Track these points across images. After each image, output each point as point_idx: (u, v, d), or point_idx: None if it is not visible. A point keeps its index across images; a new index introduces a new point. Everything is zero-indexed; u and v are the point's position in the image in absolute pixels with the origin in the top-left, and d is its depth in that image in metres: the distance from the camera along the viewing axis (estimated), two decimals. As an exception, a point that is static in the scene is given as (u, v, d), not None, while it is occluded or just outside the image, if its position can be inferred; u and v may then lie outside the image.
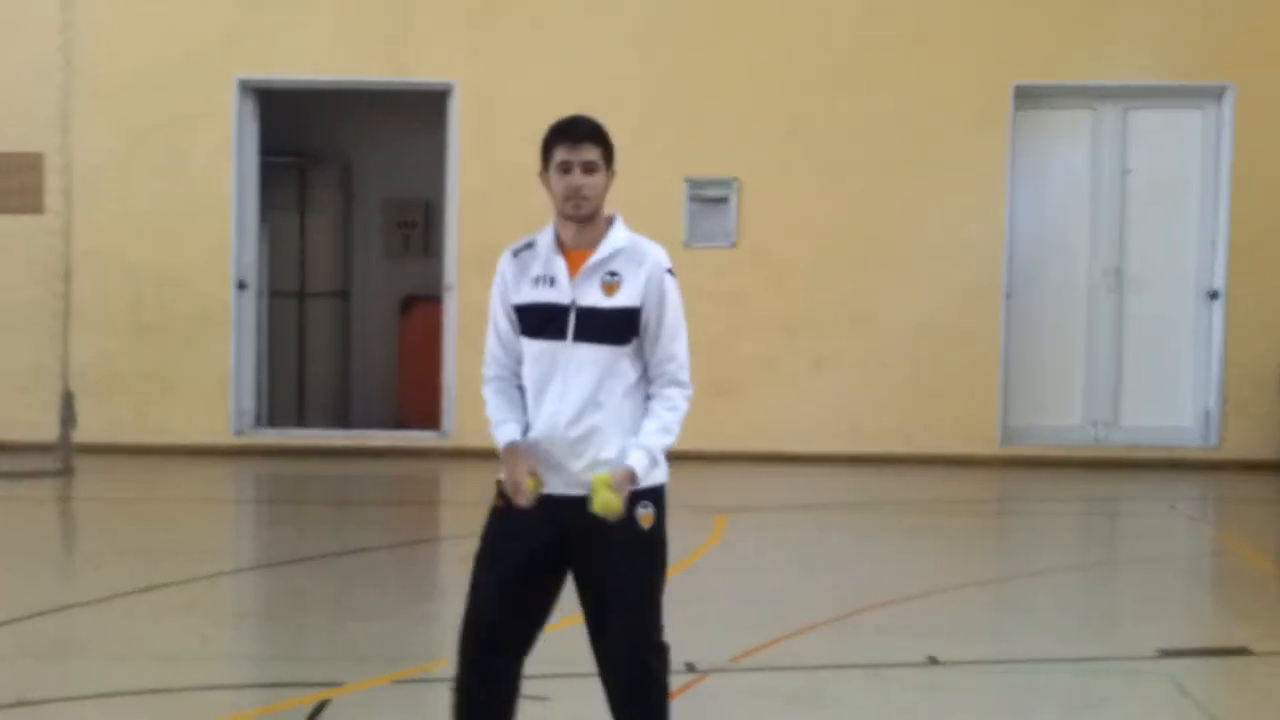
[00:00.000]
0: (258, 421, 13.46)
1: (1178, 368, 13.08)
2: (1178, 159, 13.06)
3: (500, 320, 4.31)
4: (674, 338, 4.18)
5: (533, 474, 4.12)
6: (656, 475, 4.20)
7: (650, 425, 4.15)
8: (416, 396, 13.82)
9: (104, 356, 12.79)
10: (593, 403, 4.12)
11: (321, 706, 5.75)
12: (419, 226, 14.97)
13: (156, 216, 12.93)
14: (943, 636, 6.97)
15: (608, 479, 4.02)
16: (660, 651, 4.24)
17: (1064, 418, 13.08)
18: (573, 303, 4.14)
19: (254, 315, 13.41)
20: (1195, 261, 13.03)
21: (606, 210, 4.28)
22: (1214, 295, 12.89)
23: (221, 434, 12.99)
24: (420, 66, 13.03)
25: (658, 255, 4.22)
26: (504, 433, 4.25)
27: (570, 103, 13.57)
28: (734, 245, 12.59)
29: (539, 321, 4.18)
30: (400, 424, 14.04)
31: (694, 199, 12.55)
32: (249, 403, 13.26)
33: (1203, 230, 12.99)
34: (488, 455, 13.39)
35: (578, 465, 4.13)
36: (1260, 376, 12.73)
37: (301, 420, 14.44)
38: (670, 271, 4.22)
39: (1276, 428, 12.74)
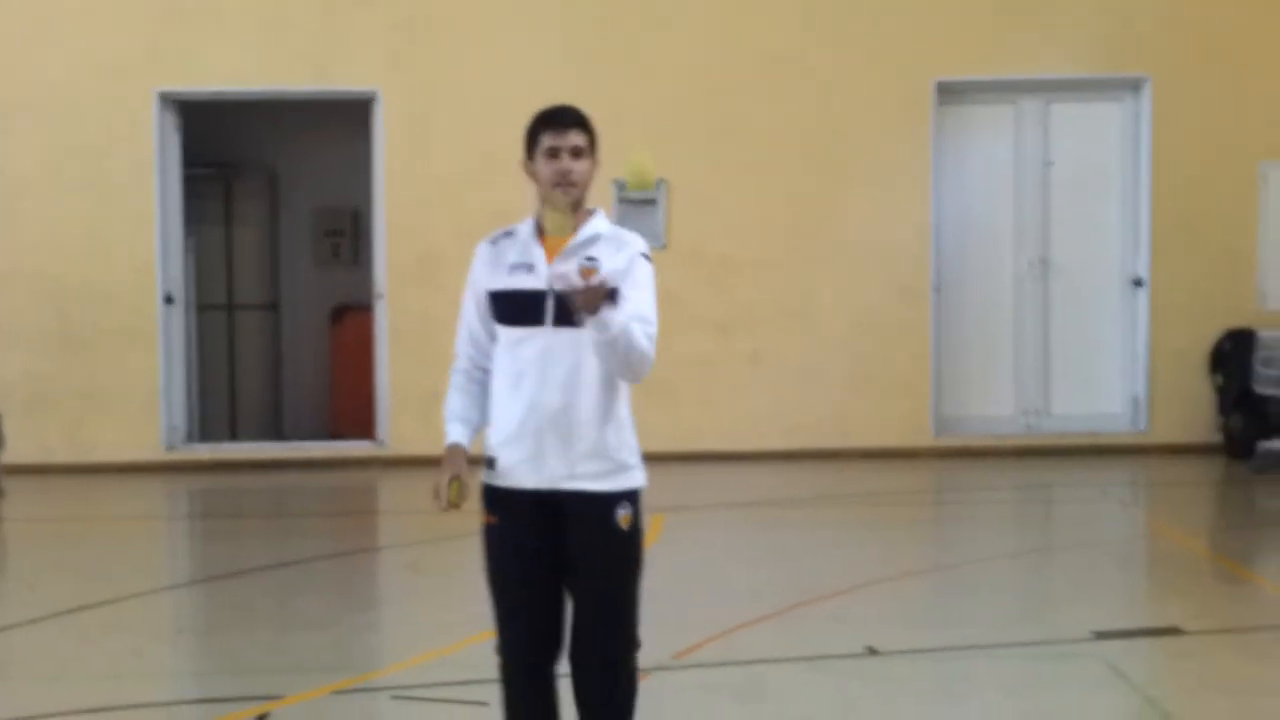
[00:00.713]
0: (189, 437, 13.33)
1: (1106, 355, 13.24)
2: (1099, 150, 13.23)
3: (470, 312, 4.32)
4: (641, 299, 4.15)
5: (456, 479, 4.12)
6: (637, 477, 4.23)
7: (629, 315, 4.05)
8: (350, 406, 13.75)
9: (30, 376, 12.64)
10: (573, 388, 4.11)
11: None
12: (348, 235, 14.90)
13: (80, 233, 12.78)
14: (883, 626, 7.03)
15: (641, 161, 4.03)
16: (632, 650, 4.26)
17: (996, 407, 13.21)
18: (550, 288, 4.12)
19: (182, 329, 13.29)
20: (1119, 250, 13.20)
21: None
22: (1138, 283, 13.06)
23: (153, 450, 12.86)
24: (343, 75, 12.96)
25: (636, 241, 4.26)
26: (450, 431, 4.25)
27: (497, 109, 13.74)
28: (665, 246, 12.61)
29: (517, 308, 4.17)
30: (334, 435, 13.95)
31: (623, 201, 12.56)
32: (180, 418, 13.13)
33: (1125, 219, 13.17)
34: (425, 463, 13.33)
35: (557, 456, 4.12)
36: (1187, 361, 12.92)
37: (234, 434, 14.32)
38: (648, 257, 4.24)
39: (1204, 412, 12.93)
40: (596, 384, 4.13)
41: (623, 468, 4.19)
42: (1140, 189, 13.04)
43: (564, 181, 4.19)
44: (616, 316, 3.99)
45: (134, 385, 12.82)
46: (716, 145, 12.80)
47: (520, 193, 12.82)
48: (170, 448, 12.97)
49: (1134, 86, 13.06)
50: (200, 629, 7.77)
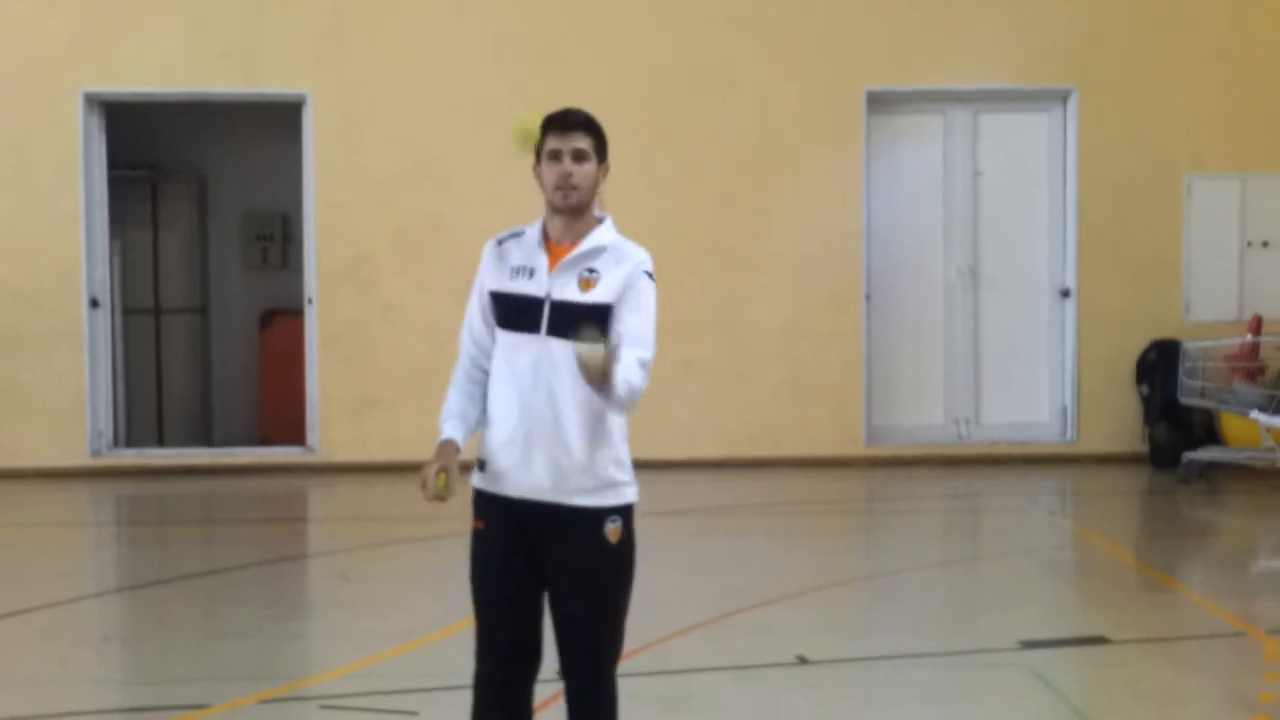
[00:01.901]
0: (115, 442, 13.16)
1: (1034, 365, 13.37)
2: (1027, 160, 13.36)
3: (474, 311, 4.24)
4: (643, 335, 4.09)
5: (444, 471, 4.06)
6: (628, 494, 4.17)
7: (625, 367, 3.98)
8: (279, 412, 13.62)
9: (-48, 379, 12.45)
10: (563, 401, 4.04)
11: (188, 730, 5.66)
12: (276, 240, 14.77)
13: (4, 235, 12.61)
14: (813, 636, 7.07)
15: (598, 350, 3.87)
16: (614, 666, 4.22)
17: (927, 417, 13.30)
18: (547, 295, 4.08)
19: (108, 333, 13.11)
20: (1046, 260, 13.34)
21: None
22: (1065, 293, 13.20)
23: (78, 455, 12.68)
24: (271, 77, 12.85)
25: (640, 256, 4.18)
26: (444, 427, 4.19)
27: (428, 113, 13.66)
28: (597, 253, 12.58)
29: (514, 312, 4.12)
30: (264, 440, 13.82)
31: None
32: (105, 423, 12.96)
33: (1052, 229, 13.30)
34: (355, 470, 13.30)
35: (545, 468, 4.07)
36: (1113, 372, 13.07)
37: (161, 440, 14.14)
38: (650, 275, 4.17)
39: (1130, 422, 13.09)
40: (587, 398, 4.05)
41: (610, 484, 4.12)
42: (1067, 200, 13.19)
43: (564, 185, 4.11)
44: (619, 383, 3.91)
45: (58, 389, 12.64)
46: (648, 153, 12.78)
47: (451, 196, 12.90)
48: (96, 453, 12.80)
49: (1061, 98, 13.20)
50: (126, 637, 7.69)
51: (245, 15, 12.76)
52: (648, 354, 4.10)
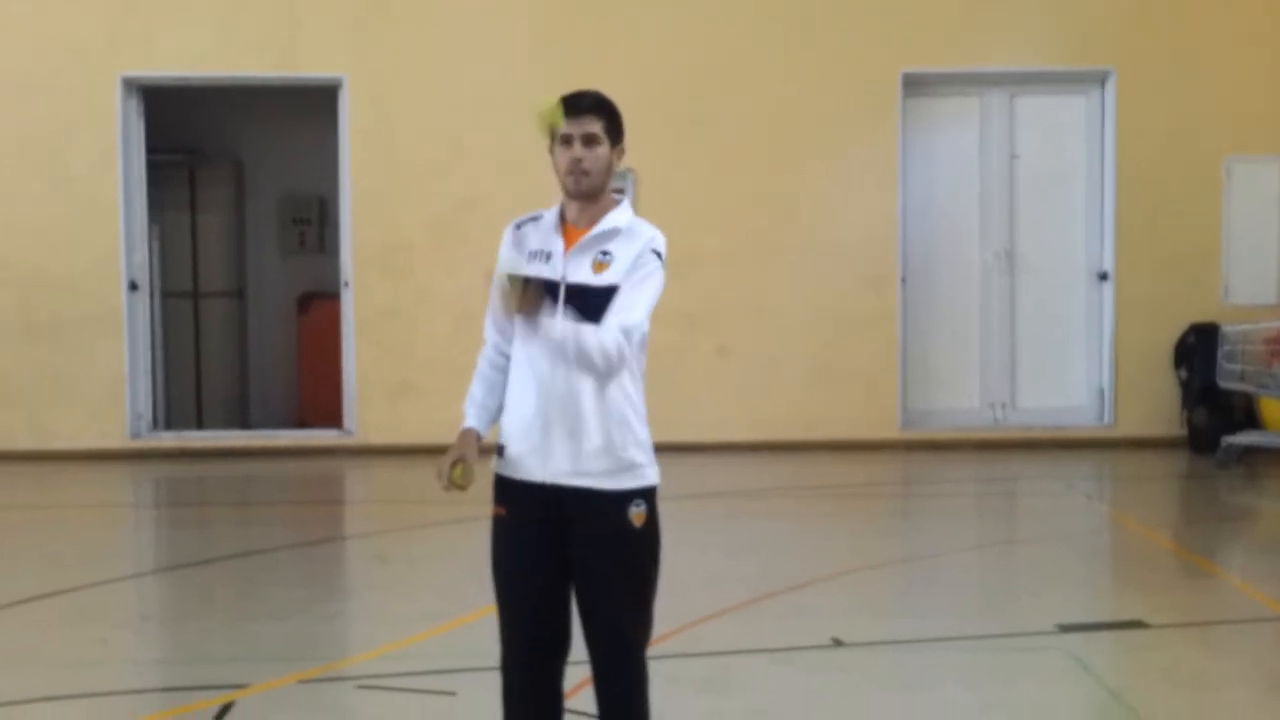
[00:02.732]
0: (155, 425, 13.26)
1: (1071, 348, 13.31)
2: (1064, 143, 13.29)
3: (495, 294, 4.21)
4: (633, 300, 4.07)
5: (461, 461, 4.06)
6: (649, 475, 4.16)
7: (587, 327, 4.00)
8: (317, 395, 13.70)
9: (-7, 363, 12.55)
10: (580, 382, 4.03)
11: (226, 709, 5.69)
12: (314, 224, 14.83)
13: (43, 220, 12.69)
14: (848, 618, 7.06)
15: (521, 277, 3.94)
16: (644, 649, 4.20)
17: (962, 400, 13.26)
18: (563, 278, 4.08)
19: (147, 317, 13.21)
20: (1084, 243, 13.27)
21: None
22: (1103, 276, 13.13)
23: (117, 438, 12.78)
24: (308, 61, 12.89)
25: (651, 235, 4.17)
26: (466, 415, 4.20)
27: (464, 97, 13.68)
28: (632, 237, 12.58)
29: None
30: (301, 423, 13.91)
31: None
32: (144, 406, 13.06)
33: (1090, 213, 13.23)
34: (392, 452, 13.34)
35: (564, 451, 4.06)
36: (1151, 355, 12.99)
37: (200, 422, 14.24)
38: (658, 254, 4.14)
39: (1168, 406, 13.01)
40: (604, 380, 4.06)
41: (630, 466, 4.10)
42: (1105, 183, 13.11)
43: (575, 170, 4.09)
44: (556, 325, 3.96)
45: (98, 373, 12.74)
46: (683, 137, 12.79)
47: (486, 179, 12.90)
48: (135, 436, 12.90)
49: (1099, 80, 13.12)
50: (165, 618, 7.74)
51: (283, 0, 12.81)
52: (631, 320, 4.05)
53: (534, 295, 3.99)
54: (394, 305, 12.81)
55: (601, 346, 4.00)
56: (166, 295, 14.01)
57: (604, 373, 4.04)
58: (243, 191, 14.85)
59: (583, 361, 4.01)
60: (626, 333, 4.04)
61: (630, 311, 4.06)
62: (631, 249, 4.11)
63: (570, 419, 4.05)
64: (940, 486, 11.73)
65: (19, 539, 9.70)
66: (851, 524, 10.06)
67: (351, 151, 12.86)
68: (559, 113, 4.08)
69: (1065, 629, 6.78)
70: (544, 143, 4.17)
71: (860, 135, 12.93)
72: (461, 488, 4.08)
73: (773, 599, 7.49)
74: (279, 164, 14.74)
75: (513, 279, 3.97)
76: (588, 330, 4.00)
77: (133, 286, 12.89)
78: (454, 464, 4.07)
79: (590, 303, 4.05)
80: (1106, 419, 13.16)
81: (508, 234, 4.24)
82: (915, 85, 13.03)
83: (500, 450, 4.16)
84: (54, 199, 12.70)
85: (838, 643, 6.57)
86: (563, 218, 4.18)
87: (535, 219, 4.23)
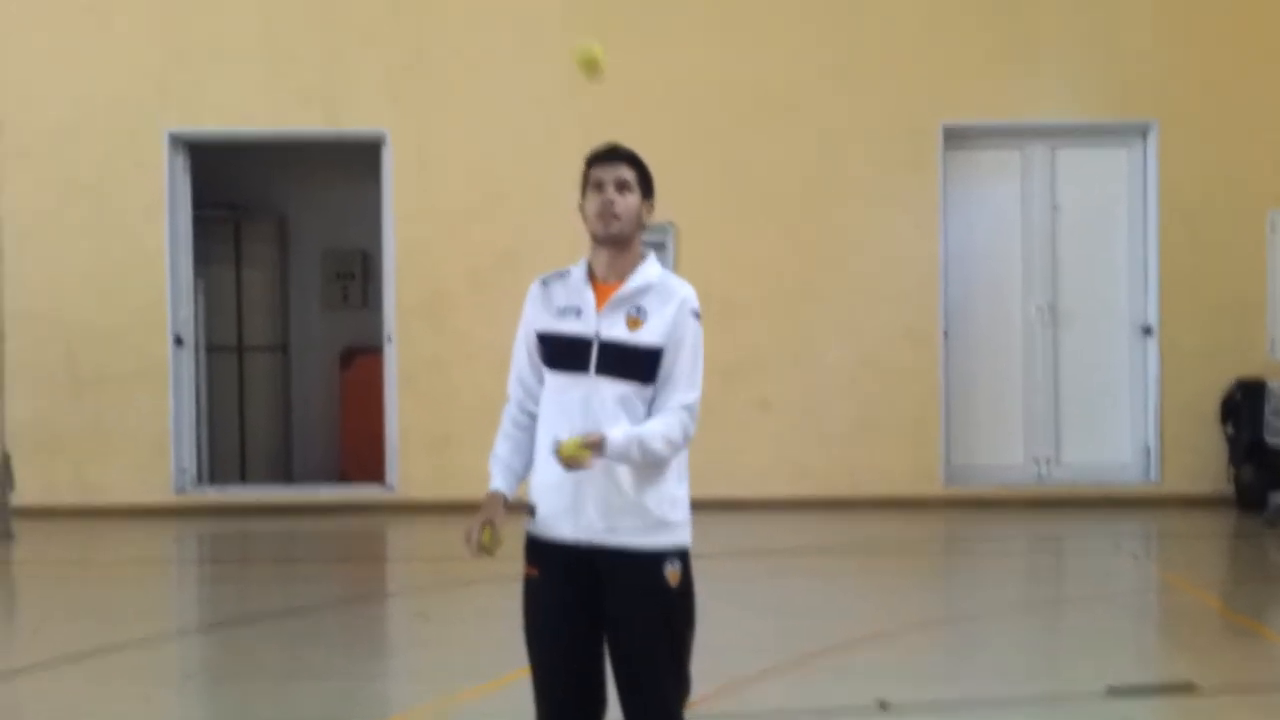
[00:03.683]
0: (199, 479, 13.31)
1: (1116, 403, 13.20)
2: (1106, 196, 13.23)
3: (520, 353, 4.22)
4: (691, 378, 4.12)
5: (489, 524, 4.04)
6: (682, 534, 4.13)
7: (654, 423, 4.03)
8: (359, 450, 13.72)
9: (40, 417, 12.61)
10: None
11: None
12: (357, 278, 14.91)
13: (90, 274, 12.81)
14: (893, 679, 6.97)
15: (578, 439, 3.92)
16: (681, 708, 4.16)
17: (1007, 456, 13.15)
18: (596, 335, 4.07)
19: (191, 371, 13.29)
20: (1127, 297, 13.18)
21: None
22: (1147, 330, 13.04)
23: (162, 493, 12.83)
24: (351, 116, 13.00)
25: (687, 294, 4.16)
26: (492, 477, 4.17)
27: (505, 150, 13.75)
28: (673, 290, 12.59)
29: (561, 352, 4.10)
30: (343, 478, 13.93)
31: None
32: (189, 460, 13.11)
33: (1133, 265, 13.15)
34: (433, 509, 13.30)
35: (597, 509, 4.04)
36: (1198, 411, 12.85)
37: (243, 476, 14.29)
38: (697, 314, 4.16)
39: (1215, 462, 12.86)
40: None
41: (663, 524, 4.08)
42: (1148, 235, 13.04)
43: (607, 213, 4.09)
44: (614, 448, 3.95)
45: (143, 427, 12.81)
46: (724, 188, 12.82)
47: (527, 229, 12.95)
48: (180, 490, 12.94)
49: (1141, 132, 13.07)
50: (208, 676, 7.74)
51: (325, 56, 12.94)
52: (693, 398, 4.10)
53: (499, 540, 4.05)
54: (436, 357, 12.84)
55: (669, 441, 4.04)
56: (211, 349, 14.10)
57: (669, 459, 4.07)
58: (286, 246, 14.97)
59: (651, 462, 4.03)
60: (690, 411, 4.09)
61: (691, 390, 4.11)
62: (667, 308, 4.11)
63: (603, 475, 4.02)
64: (984, 544, 11.64)
65: (63, 595, 9.73)
66: (895, 582, 9.97)
67: (395, 204, 12.94)
68: (596, 61, 4.09)
69: (1114, 692, 6.68)
70: (577, 195, 4.18)
71: (901, 187, 12.91)
72: (489, 552, 4.07)
73: (815, 659, 7.43)
74: (322, 218, 14.85)
75: (489, 534, 4.02)
76: (654, 436, 4.01)
77: (178, 341, 12.97)
78: (482, 526, 4.06)
79: (629, 362, 4.06)
80: (1152, 476, 13.03)
81: (534, 290, 4.23)
82: (956, 138, 13.03)
83: (531, 510, 4.14)
84: (101, 253, 12.82)
85: (883, 705, 6.49)
86: (590, 273, 4.18)
87: (562, 275, 4.22)
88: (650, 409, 4.08)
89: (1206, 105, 12.94)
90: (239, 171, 14.36)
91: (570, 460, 3.90)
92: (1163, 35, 12.95)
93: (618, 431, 3.97)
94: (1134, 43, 12.95)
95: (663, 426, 4.03)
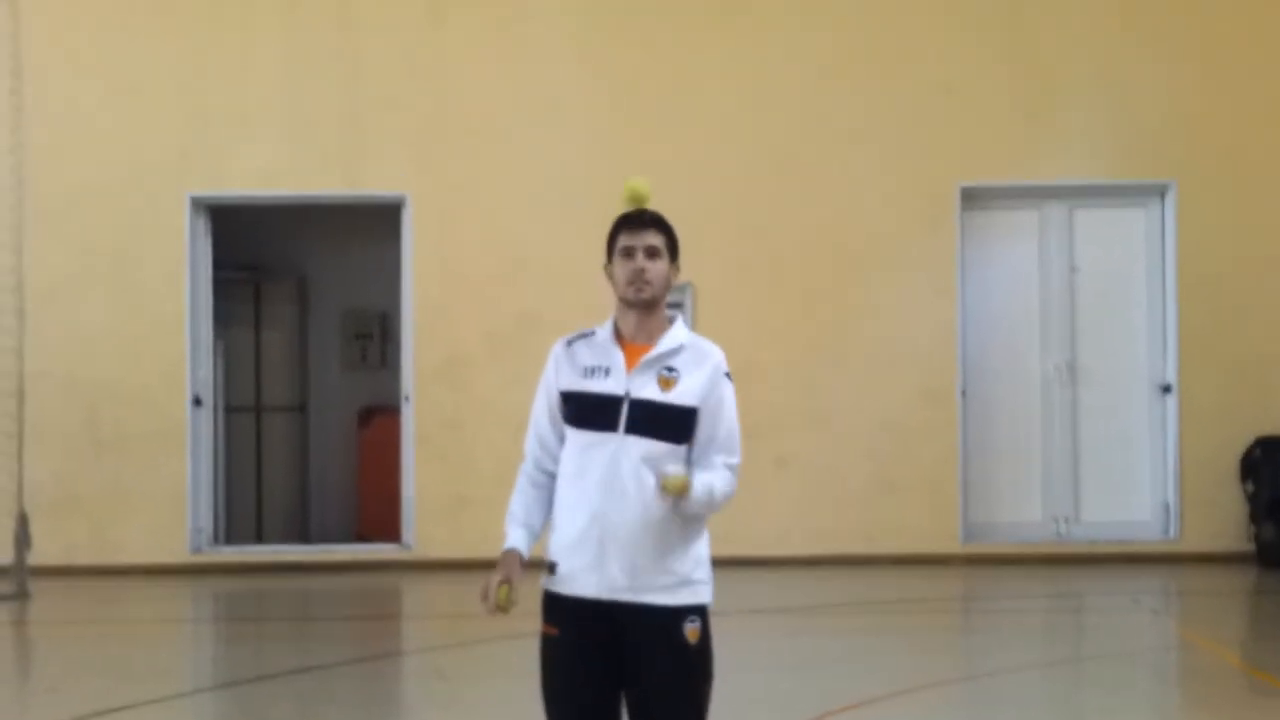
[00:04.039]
0: (215, 539, 13.32)
1: (1135, 462, 13.15)
2: (1125, 255, 13.24)
3: (541, 413, 4.22)
4: (731, 440, 4.16)
5: (506, 582, 4.03)
6: (703, 592, 4.13)
7: (712, 476, 4.08)
8: (376, 509, 13.73)
9: (58, 477, 12.64)
10: (641, 498, 4.02)
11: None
12: (375, 339, 14.98)
13: (109, 335, 12.88)
14: (911, 739, 6.94)
15: (683, 476, 3.96)
16: None
17: (1025, 514, 13.10)
18: (627, 394, 4.08)
19: (210, 431, 13.33)
20: (1146, 355, 13.17)
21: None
22: (1166, 389, 13.01)
23: (179, 552, 12.84)
24: (372, 179, 13.10)
25: (718, 357, 4.18)
26: (508, 535, 4.17)
27: (525, 213, 13.81)
28: (690, 350, 12.61)
29: (589, 411, 4.09)
30: (360, 537, 13.93)
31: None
32: (206, 520, 13.13)
33: (1152, 325, 13.15)
34: (451, 567, 13.27)
35: (620, 566, 4.03)
36: (1218, 468, 12.81)
37: (260, 536, 14.30)
38: (729, 375, 4.18)
39: (1235, 520, 12.80)
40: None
41: (687, 582, 4.08)
42: (1167, 295, 13.04)
43: (638, 280, 4.10)
44: (697, 497, 4.01)
45: (161, 487, 12.83)
46: (741, 248, 12.86)
47: (547, 292, 13.00)
48: (196, 550, 12.95)
49: (1159, 192, 13.10)
50: (223, 735, 7.72)
51: (346, 119, 13.05)
52: (735, 459, 4.16)
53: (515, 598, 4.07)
54: (454, 418, 12.87)
55: (726, 496, 4.11)
56: (230, 409, 14.15)
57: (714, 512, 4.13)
58: (306, 307, 15.05)
59: (708, 512, 4.11)
60: (735, 472, 4.16)
61: (734, 453, 4.17)
62: (701, 370, 4.13)
63: (628, 533, 4.02)
64: (1004, 602, 11.57)
65: (79, 654, 9.71)
66: (914, 640, 9.91)
67: (414, 266, 13.01)
68: (643, 196, 4.17)
69: (1134, 750, 6.64)
70: (601, 260, 4.22)
71: (918, 248, 12.94)
72: (505, 611, 4.05)
73: (835, 716, 7.38)
74: (341, 280, 14.94)
75: (505, 592, 4.04)
76: (717, 488, 4.08)
77: (197, 402, 13.02)
78: (499, 584, 4.05)
79: (660, 421, 4.06)
80: (1172, 533, 12.97)
81: (558, 349, 4.23)
82: (973, 199, 13.07)
83: (551, 567, 4.13)
84: (122, 314, 12.90)
85: (901, 764, 6.45)
86: (617, 333, 4.19)
87: (587, 336, 4.23)
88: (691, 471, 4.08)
89: (1224, 165, 12.98)
90: (259, 233, 14.46)
91: (679, 493, 3.95)
92: (1180, 96, 13.00)
93: (705, 480, 4.04)
94: (1151, 103, 13.00)
95: (721, 481, 4.10)
